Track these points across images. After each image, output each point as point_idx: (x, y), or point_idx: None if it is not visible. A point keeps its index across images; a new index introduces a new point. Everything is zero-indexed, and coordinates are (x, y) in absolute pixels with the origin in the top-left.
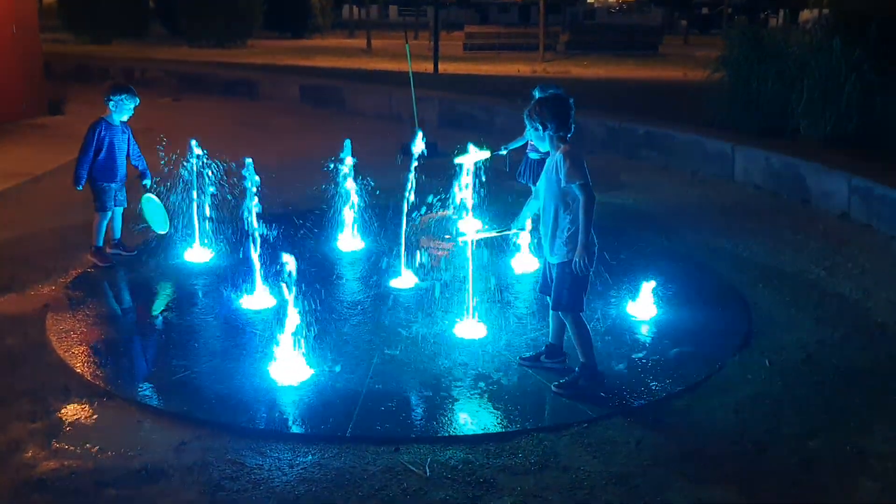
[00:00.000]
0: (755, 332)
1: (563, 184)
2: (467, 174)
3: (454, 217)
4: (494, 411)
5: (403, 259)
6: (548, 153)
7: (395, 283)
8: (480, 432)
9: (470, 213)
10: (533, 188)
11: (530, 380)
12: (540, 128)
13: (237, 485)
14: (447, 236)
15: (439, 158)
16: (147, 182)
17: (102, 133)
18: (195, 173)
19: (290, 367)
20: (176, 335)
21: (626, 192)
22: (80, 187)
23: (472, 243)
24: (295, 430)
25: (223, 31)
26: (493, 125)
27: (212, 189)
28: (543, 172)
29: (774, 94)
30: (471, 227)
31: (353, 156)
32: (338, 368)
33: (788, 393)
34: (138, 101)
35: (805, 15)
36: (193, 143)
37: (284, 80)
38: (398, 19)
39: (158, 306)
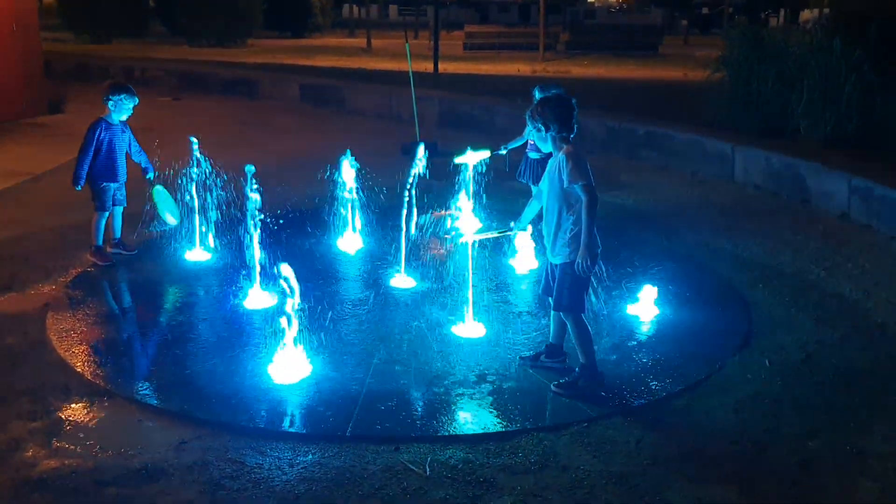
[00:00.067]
0: (755, 332)
1: (565, 185)
2: (468, 174)
3: (454, 215)
4: (494, 411)
5: (404, 258)
6: (549, 153)
7: (395, 282)
8: (480, 432)
9: (470, 213)
10: (533, 188)
11: (530, 379)
12: (542, 129)
13: (237, 484)
14: (447, 236)
15: (439, 158)
16: (151, 175)
17: (102, 133)
18: (195, 174)
19: (290, 366)
20: (176, 334)
21: (625, 192)
22: (80, 187)
23: (473, 243)
24: (295, 429)
25: (223, 30)
26: (493, 125)
27: (212, 188)
28: (546, 173)
29: (774, 95)
30: (471, 227)
31: (353, 156)
32: (338, 367)
33: (788, 393)
34: (137, 100)
35: (805, 15)
36: (194, 142)
37: (284, 80)
38: (398, 19)
39: (159, 305)
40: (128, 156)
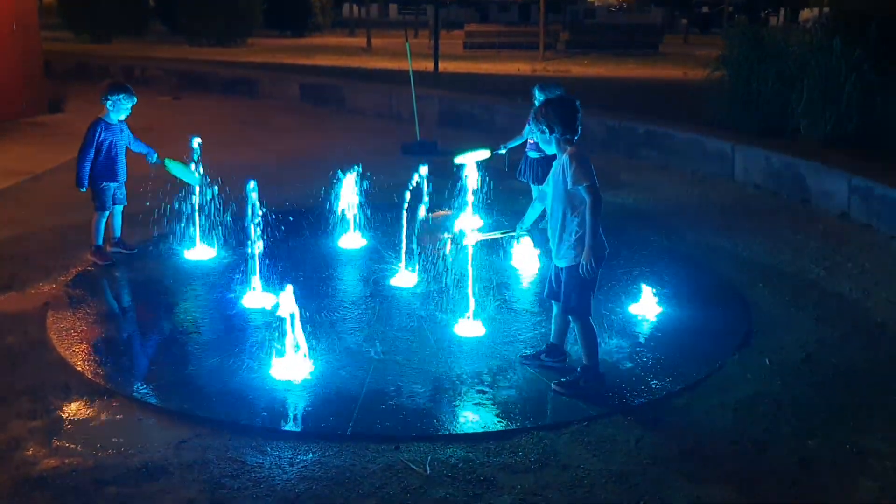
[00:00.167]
0: (755, 331)
1: (569, 186)
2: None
3: (455, 214)
4: (494, 409)
5: (404, 257)
6: (552, 153)
7: (395, 281)
8: (481, 430)
9: (471, 212)
10: (534, 188)
11: (530, 378)
12: (546, 130)
13: (237, 483)
14: (447, 235)
15: (439, 157)
16: (154, 158)
17: (101, 133)
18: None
19: (290, 365)
20: (176, 333)
21: (625, 191)
22: (84, 189)
23: (475, 244)
24: (295, 428)
25: (223, 29)
26: (493, 124)
27: (212, 190)
28: (550, 175)
29: (774, 94)
30: (472, 227)
31: (353, 157)
32: (338, 366)
33: (788, 392)
34: (136, 100)
35: (805, 14)
36: (195, 141)
37: (284, 79)
38: (398, 18)
39: (159, 304)
40: (128, 153)
